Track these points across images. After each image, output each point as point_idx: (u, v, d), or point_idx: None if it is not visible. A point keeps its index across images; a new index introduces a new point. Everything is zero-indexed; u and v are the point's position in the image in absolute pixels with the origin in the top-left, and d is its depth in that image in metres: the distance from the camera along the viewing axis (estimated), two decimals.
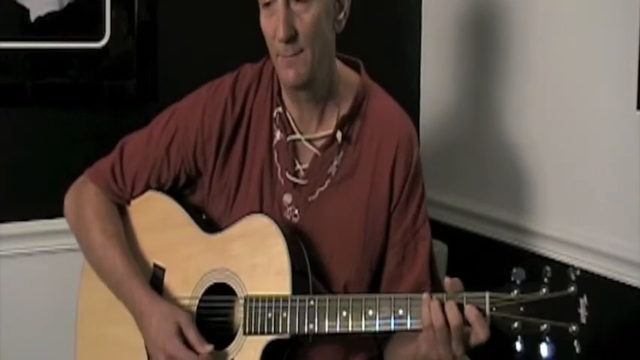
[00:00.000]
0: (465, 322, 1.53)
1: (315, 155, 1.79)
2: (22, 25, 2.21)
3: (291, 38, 1.67)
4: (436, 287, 1.74)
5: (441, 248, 2.41)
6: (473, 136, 2.52)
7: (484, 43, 2.46)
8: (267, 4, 1.69)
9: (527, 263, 2.27)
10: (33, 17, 2.21)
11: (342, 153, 1.79)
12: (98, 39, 2.28)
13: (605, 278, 2.09)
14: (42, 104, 2.27)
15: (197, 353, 1.67)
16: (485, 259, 2.43)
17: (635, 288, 2.03)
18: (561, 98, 2.21)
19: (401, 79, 2.67)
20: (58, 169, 2.01)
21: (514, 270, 1.52)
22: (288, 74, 1.71)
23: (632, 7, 1.99)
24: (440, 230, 2.42)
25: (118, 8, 2.28)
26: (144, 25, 2.32)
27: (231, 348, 1.70)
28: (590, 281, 2.08)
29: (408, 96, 2.66)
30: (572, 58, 2.18)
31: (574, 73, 2.17)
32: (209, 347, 1.67)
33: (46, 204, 1.98)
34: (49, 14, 2.22)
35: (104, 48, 2.28)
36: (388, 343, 1.80)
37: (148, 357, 1.77)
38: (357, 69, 1.85)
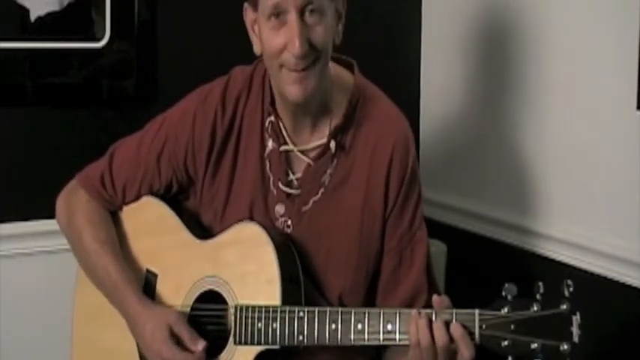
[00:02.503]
0: (452, 340, 1.50)
1: (309, 165, 1.74)
2: (22, 25, 2.21)
3: (305, 52, 1.59)
4: (433, 291, 1.72)
5: (440, 248, 2.40)
6: (472, 136, 2.51)
7: (484, 43, 2.46)
8: (276, 15, 1.60)
9: (527, 263, 2.29)
10: (33, 17, 2.21)
11: (335, 161, 1.73)
12: (98, 39, 2.28)
13: (605, 278, 2.09)
14: (42, 104, 2.28)
15: (192, 352, 1.66)
16: (485, 259, 2.43)
17: (635, 288, 2.03)
18: (561, 98, 2.21)
19: (401, 80, 2.67)
20: (58, 169, 2.01)
21: (505, 285, 1.49)
22: (295, 90, 1.63)
23: (632, 7, 1.99)
24: (439, 230, 2.42)
25: (118, 8, 2.28)
26: (144, 25, 2.32)
27: (222, 357, 1.69)
28: (590, 281, 2.09)
29: (407, 96, 2.66)
30: (573, 58, 2.17)
31: (574, 72, 2.17)
32: (202, 343, 1.66)
33: (46, 204, 1.97)
34: (49, 14, 2.22)
35: (104, 48, 2.28)
36: (387, 351, 1.77)
37: None
38: (350, 68, 1.79)
